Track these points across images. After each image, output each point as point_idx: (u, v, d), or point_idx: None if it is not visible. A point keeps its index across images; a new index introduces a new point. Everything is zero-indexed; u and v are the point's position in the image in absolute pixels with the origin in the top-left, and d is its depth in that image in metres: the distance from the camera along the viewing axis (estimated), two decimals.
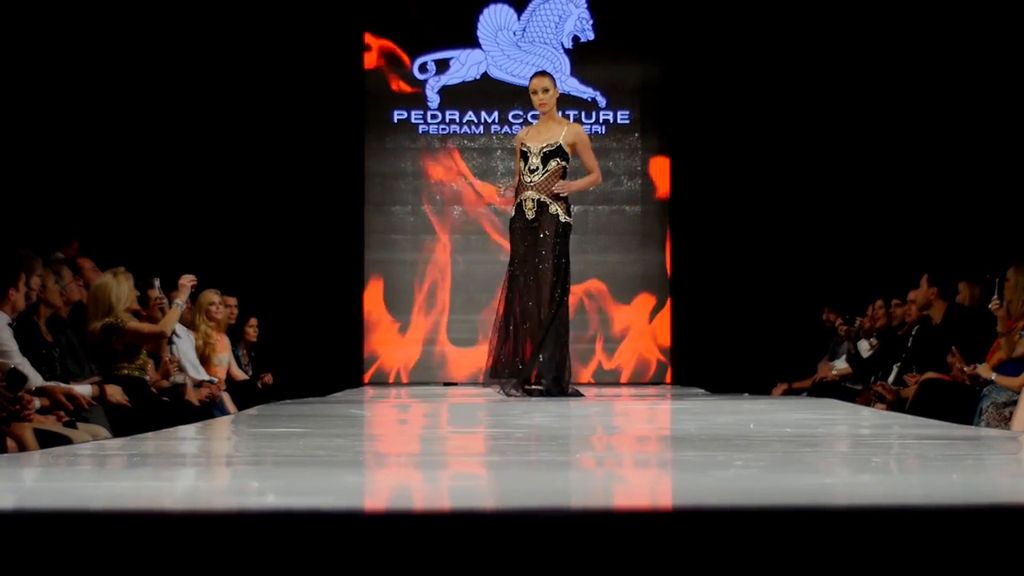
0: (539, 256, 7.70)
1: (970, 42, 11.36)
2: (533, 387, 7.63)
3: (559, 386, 7.68)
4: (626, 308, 12.03)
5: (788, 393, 9.61)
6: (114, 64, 11.33)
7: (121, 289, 6.84)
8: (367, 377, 11.88)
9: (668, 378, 11.91)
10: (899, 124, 11.55)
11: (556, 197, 7.73)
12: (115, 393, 6.08)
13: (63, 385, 5.63)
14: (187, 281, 7.41)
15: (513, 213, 7.87)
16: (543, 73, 8.04)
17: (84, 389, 5.76)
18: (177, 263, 8.21)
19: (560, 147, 7.74)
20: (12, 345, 5.46)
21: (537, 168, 7.75)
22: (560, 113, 8.40)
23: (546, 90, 7.81)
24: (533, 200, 7.73)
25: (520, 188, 7.81)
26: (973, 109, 11.34)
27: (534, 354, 7.66)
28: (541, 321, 7.63)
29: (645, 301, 12.04)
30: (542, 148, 7.75)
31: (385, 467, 3.53)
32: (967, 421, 6.14)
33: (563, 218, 7.73)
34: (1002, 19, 11.22)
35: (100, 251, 8.75)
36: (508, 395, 7.57)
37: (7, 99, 10.78)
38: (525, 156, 7.80)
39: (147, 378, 6.92)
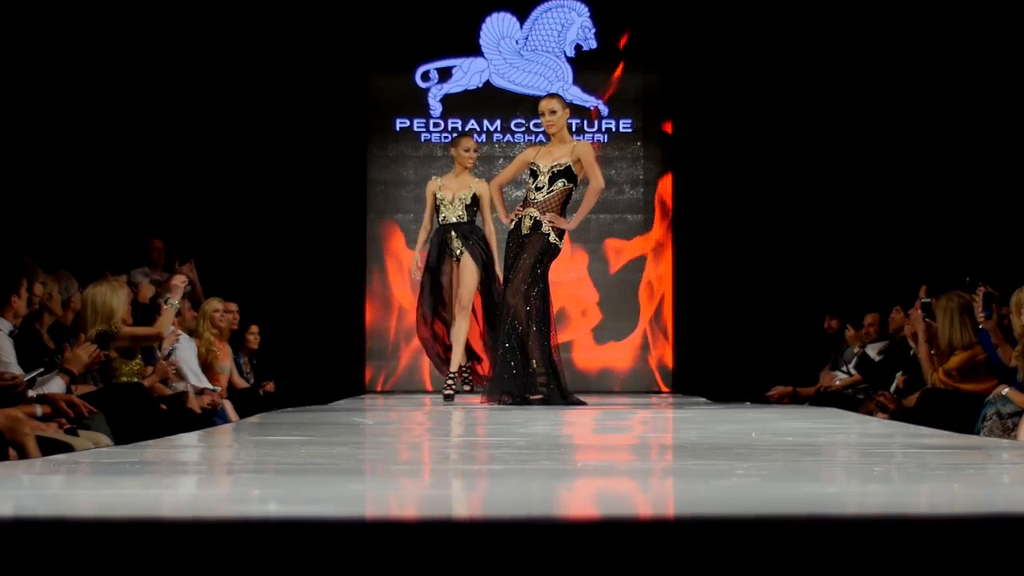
0: (521, 258, 7.73)
1: (969, 51, 11.38)
2: (533, 395, 7.63)
3: (560, 394, 7.70)
4: (628, 316, 12.03)
5: (793, 399, 9.58)
6: (116, 69, 11.35)
7: (118, 298, 6.81)
8: (370, 385, 11.87)
9: (669, 387, 11.90)
10: (900, 128, 11.57)
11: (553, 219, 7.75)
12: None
13: (64, 392, 5.62)
14: (179, 282, 7.36)
15: (512, 226, 7.90)
16: (551, 95, 8.06)
17: (58, 385, 5.68)
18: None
19: (569, 167, 7.76)
20: (11, 356, 5.44)
21: (543, 187, 7.78)
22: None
23: (553, 111, 7.82)
24: (531, 217, 7.78)
25: (525, 203, 7.87)
26: (975, 115, 11.35)
27: (527, 362, 7.67)
28: (509, 307, 7.65)
29: (647, 309, 12.03)
30: (551, 167, 7.78)
31: (387, 475, 3.53)
32: (969, 431, 6.13)
33: (552, 238, 7.74)
34: (1004, 32, 11.24)
35: (102, 258, 8.77)
36: (508, 404, 7.58)
37: (11, 106, 10.79)
38: (534, 174, 7.83)
39: (144, 382, 6.89)
